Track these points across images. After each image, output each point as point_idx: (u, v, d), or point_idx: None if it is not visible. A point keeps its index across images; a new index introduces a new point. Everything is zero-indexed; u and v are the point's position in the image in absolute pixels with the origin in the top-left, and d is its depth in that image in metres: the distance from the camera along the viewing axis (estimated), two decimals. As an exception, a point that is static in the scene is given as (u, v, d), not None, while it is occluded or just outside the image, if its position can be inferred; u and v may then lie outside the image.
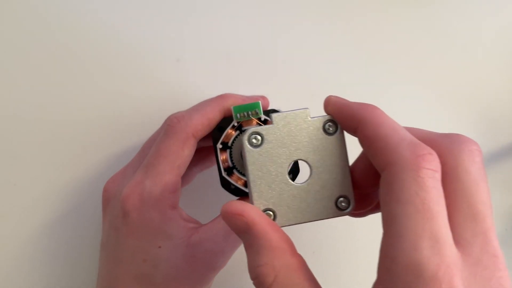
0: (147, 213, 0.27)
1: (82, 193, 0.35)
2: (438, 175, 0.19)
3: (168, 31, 0.36)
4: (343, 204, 0.23)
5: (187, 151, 0.28)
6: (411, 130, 0.21)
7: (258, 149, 0.23)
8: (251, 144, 0.23)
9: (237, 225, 0.21)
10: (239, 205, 0.21)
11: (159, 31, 0.36)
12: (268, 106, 0.32)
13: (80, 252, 0.34)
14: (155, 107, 0.35)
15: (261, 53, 0.37)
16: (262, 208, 0.23)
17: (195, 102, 0.32)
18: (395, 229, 0.18)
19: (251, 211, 0.21)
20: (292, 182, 0.23)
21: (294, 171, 0.26)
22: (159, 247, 0.27)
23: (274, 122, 0.23)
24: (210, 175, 0.35)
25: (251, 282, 0.21)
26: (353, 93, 0.38)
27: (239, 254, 0.27)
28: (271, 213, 0.23)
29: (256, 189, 0.23)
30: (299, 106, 0.36)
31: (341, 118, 0.23)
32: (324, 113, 0.24)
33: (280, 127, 0.23)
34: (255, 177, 0.23)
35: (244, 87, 0.37)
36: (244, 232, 0.21)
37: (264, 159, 0.23)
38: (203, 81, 0.36)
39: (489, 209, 0.19)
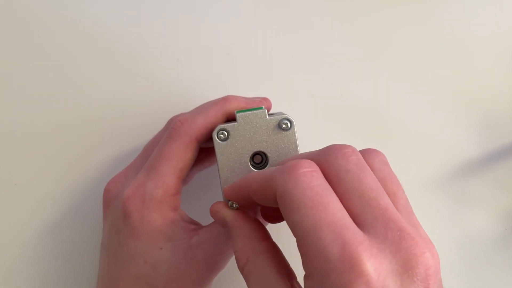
0: (148, 215, 0.27)
1: (83, 194, 0.35)
2: (316, 173, 0.21)
3: (168, 31, 0.36)
4: None
5: (190, 155, 0.28)
6: (298, 155, 0.25)
7: (225, 142, 0.27)
8: (219, 138, 0.27)
9: (219, 220, 0.26)
10: (217, 204, 0.26)
11: (159, 31, 0.36)
12: (270, 108, 0.32)
13: (81, 253, 0.34)
14: (156, 107, 0.35)
15: (262, 53, 0.37)
16: None
17: (195, 102, 0.31)
18: (299, 231, 0.20)
19: (226, 209, 0.26)
20: (253, 169, 0.27)
21: (264, 162, 0.28)
22: (160, 248, 0.27)
23: (238, 120, 0.27)
24: (209, 175, 0.35)
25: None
26: (353, 93, 0.38)
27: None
28: None
29: (223, 175, 0.27)
30: (300, 106, 0.37)
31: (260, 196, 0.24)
32: (280, 112, 0.28)
33: (243, 124, 0.27)
34: (223, 165, 0.27)
35: (244, 87, 0.36)
36: (225, 226, 0.26)
37: (230, 151, 0.27)
38: (204, 81, 0.36)
39: (379, 192, 0.21)
